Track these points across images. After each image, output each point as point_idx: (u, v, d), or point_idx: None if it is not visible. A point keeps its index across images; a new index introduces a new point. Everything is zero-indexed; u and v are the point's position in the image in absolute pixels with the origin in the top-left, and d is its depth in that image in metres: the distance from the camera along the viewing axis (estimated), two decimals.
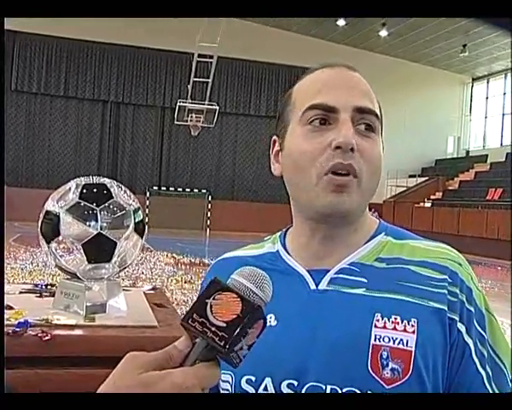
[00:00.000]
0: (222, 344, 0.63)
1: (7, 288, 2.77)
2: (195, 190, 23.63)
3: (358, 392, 0.81)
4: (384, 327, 0.83)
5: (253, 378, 0.87)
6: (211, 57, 19.78)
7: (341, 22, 21.65)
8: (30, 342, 2.06)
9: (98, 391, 0.64)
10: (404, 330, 0.83)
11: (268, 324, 0.69)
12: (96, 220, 2.28)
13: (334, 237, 0.91)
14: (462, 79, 25.94)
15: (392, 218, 20.79)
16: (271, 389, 0.85)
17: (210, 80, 20.73)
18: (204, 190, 23.64)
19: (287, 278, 0.91)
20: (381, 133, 0.93)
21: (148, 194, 22.67)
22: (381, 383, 0.81)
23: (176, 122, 21.45)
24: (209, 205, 23.39)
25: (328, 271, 0.90)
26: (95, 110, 23.08)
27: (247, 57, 23.06)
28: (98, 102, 23.01)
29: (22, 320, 2.13)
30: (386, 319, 0.84)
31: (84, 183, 2.37)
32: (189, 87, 20.79)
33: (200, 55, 19.75)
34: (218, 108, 21.26)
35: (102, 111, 23.10)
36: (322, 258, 0.92)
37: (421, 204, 22.75)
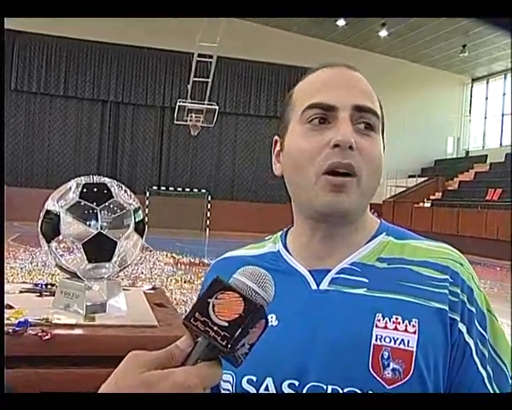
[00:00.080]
0: (224, 344, 0.63)
1: (7, 287, 2.77)
2: (195, 190, 23.62)
3: (359, 392, 0.81)
4: (385, 327, 0.83)
5: (254, 378, 0.87)
6: (210, 57, 19.78)
7: (341, 22, 21.65)
8: (30, 341, 2.06)
9: (100, 391, 0.64)
10: (406, 331, 0.83)
11: (269, 324, 0.69)
12: (97, 220, 2.28)
13: (335, 236, 0.91)
14: (462, 79, 25.95)
15: (391, 218, 20.78)
16: (272, 390, 0.85)
17: (210, 80, 20.74)
18: (203, 190, 23.63)
19: (288, 278, 0.91)
20: (382, 133, 0.93)
21: (147, 194, 22.67)
22: (382, 383, 0.81)
23: (175, 122, 21.47)
24: (209, 205, 23.38)
25: (330, 271, 0.90)
26: (94, 110, 23.07)
27: (246, 57, 23.05)
28: (98, 102, 23.01)
29: (22, 320, 2.13)
30: (387, 319, 0.84)
31: (84, 182, 2.37)
32: (189, 87, 20.80)
33: (199, 55, 19.76)
34: (217, 107, 21.27)
35: (102, 111, 23.10)
36: (323, 258, 0.92)
37: (421, 204, 22.76)
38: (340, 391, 0.82)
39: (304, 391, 0.84)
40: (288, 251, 0.96)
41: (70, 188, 2.37)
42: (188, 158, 23.92)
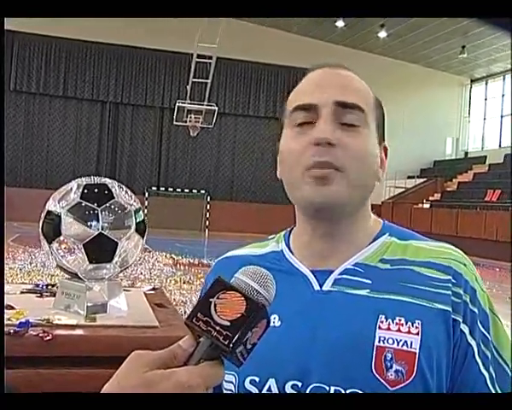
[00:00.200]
0: (226, 343, 0.63)
1: (8, 288, 2.77)
2: (194, 191, 23.61)
3: (362, 393, 0.81)
4: (388, 329, 0.83)
5: (257, 379, 0.87)
6: (210, 58, 19.76)
7: (340, 23, 21.65)
8: (31, 342, 2.06)
9: (102, 391, 0.64)
10: (409, 332, 0.83)
11: (272, 324, 0.69)
12: (98, 220, 2.28)
13: (335, 234, 0.91)
14: (461, 80, 25.96)
15: (390, 219, 20.50)
16: (275, 390, 0.85)
17: (209, 81, 20.72)
18: (203, 191, 23.61)
19: (290, 279, 0.91)
20: (378, 129, 0.93)
21: (146, 194, 22.64)
22: (385, 384, 0.81)
23: (175, 123, 21.44)
24: (208, 206, 23.36)
25: (332, 271, 0.90)
26: (94, 110, 23.05)
27: (246, 58, 23.04)
28: (97, 103, 22.99)
29: (23, 320, 2.13)
30: (390, 320, 0.84)
31: (85, 183, 2.38)
32: (188, 88, 20.78)
33: (199, 56, 19.75)
34: (216, 108, 21.25)
35: (101, 111, 23.08)
36: (326, 258, 0.92)
37: (420, 205, 22.75)
38: (343, 392, 0.82)
39: (307, 392, 0.84)
40: (290, 251, 0.96)
41: (71, 189, 2.37)
42: (187, 159, 23.90)
